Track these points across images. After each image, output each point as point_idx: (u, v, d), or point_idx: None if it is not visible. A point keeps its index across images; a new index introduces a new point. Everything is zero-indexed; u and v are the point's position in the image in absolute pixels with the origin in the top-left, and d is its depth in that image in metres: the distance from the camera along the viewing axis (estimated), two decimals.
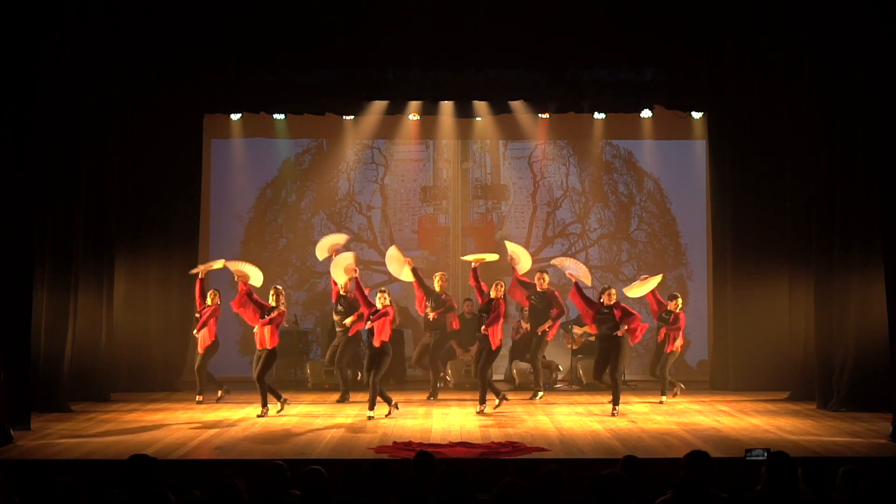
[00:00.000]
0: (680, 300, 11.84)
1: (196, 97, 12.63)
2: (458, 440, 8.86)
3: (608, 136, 14.36)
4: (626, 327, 10.60)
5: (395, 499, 4.75)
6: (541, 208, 14.48)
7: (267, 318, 10.40)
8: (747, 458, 6.24)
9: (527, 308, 12.17)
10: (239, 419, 10.26)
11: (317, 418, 10.34)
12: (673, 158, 14.42)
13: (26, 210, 9.64)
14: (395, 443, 8.67)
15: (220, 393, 11.59)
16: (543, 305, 11.97)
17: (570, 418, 10.30)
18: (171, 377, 12.66)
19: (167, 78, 11.66)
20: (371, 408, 10.23)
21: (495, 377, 13.08)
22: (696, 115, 13.80)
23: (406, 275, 11.99)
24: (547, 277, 12.03)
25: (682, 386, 11.96)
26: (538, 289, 11.93)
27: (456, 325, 12.15)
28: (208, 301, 11.46)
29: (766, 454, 6.07)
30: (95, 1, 10.33)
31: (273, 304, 10.51)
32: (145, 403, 11.41)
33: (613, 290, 10.89)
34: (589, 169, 14.46)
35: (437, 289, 12.00)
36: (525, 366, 12.79)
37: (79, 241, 11.30)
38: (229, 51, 10.84)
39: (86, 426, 9.78)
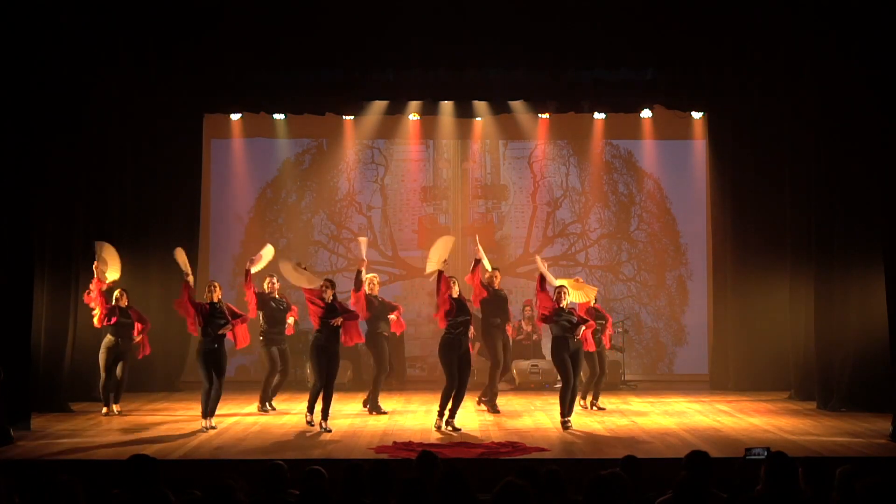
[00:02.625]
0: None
1: (196, 97, 12.63)
2: (458, 440, 8.86)
3: (608, 136, 14.35)
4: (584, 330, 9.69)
5: (396, 499, 4.75)
6: (541, 208, 14.48)
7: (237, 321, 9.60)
8: (747, 458, 6.24)
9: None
10: (239, 419, 10.25)
11: (317, 418, 10.32)
12: (673, 158, 14.42)
13: (26, 210, 9.64)
14: (395, 443, 8.67)
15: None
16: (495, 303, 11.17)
17: (571, 418, 10.27)
18: (171, 377, 12.66)
19: (167, 78, 11.66)
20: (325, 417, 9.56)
21: None
22: (696, 115, 13.79)
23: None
24: (499, 276, 11.20)
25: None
26: (495, 287, 11.19)
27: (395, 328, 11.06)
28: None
29: (765, 453, 6.07)
30: (95, 1, 10.34)
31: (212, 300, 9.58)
32: (145, 403, 11.40)
33: (567, 292, 9.77)
34: (589, 169, 14.46)
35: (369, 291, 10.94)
36: (525, 365, 12.79)
37: (79, 241, 11.29)
38: (229, 50, 10.85)
39: (86, 426, 9.78)
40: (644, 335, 14.20)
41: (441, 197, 14.54)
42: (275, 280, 11.04)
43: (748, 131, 12.80)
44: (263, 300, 10.92)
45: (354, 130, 14.26)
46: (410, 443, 8.65)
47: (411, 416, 10.44)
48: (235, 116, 13.89)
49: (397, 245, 14.38)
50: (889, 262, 9.51)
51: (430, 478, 5.18)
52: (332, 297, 9.59)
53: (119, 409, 10.56)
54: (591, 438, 9.00)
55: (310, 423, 9.58)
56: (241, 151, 14.34)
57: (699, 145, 14.21)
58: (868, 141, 10.22)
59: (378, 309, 10.79)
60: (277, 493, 5.34)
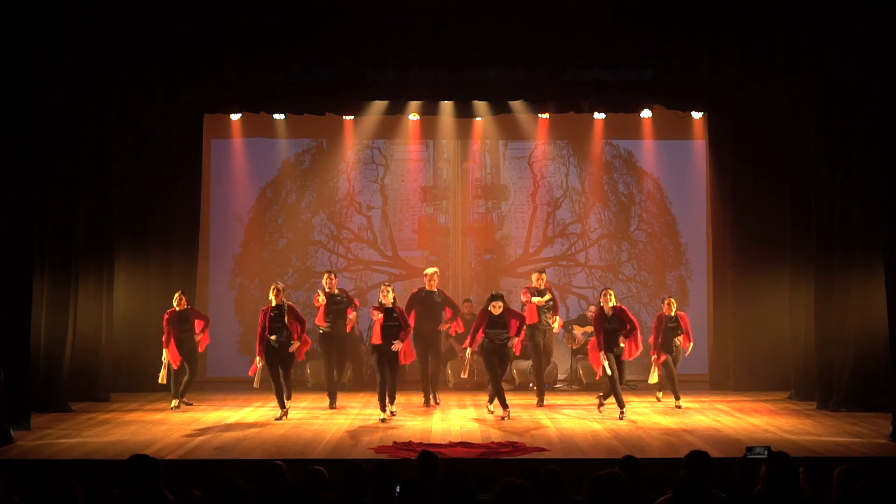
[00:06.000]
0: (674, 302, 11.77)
1: (196, 97, 12.62)
2: (458, 440, 8.86)
3: (608, 136, 14.35)
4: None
5: (396, 499, 4.75)
6: (541, 208, 14.47)
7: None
8: (748, 456, 6.23)
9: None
10: (239, 419, 10.26)
11: (317, 419, 10.34)
12: (673, 158, 14.42)
13: (26, 209, 9.64)
14: (395, 443, 8.67)
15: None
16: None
17: (570, 418, 10.30)
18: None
19: (167, 78, 11.64)
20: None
21: None
22: (696, 115, 13.79)
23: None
24: (545, 277, 11.79)
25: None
26: (542, 287, 11.71)
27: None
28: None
29: (766, 452, 6.06)
30: (95, 1, 10.33)
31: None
32: (145, 403, 11.41)
33: (610, 292, 10.61)
34: (589, 169, 14.46)
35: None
36: (525, 365, 12.79)
37: (79, 241, 11.30)
38: (229, 51, 10.82)
39: (86, 426, 9.78)
40: (644, 335, 14.15)
41: (441, 197, 14.54)
42: (333, 276, 11.47)
43: (748, 131, 12.80)
44: (327, 298, 11.31)
45: (354, 130, 14.26)
46: (410, 443, 8.65)
47: (411, 417, 10.44)
48: (235, 116, 13.88)
49: (397, 245, 14.38)
50: (889, 262, 9.51)
51: (430, 478, 5.18)
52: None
53: (189, 402, 11.26)
54: (591, 438, 9.00)
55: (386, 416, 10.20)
56: (241, 151, 14.35)
57: (699, 145, 14.22)
58: (868, 141, 10.22)
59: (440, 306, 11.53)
60: (277, 493, 5.34)
